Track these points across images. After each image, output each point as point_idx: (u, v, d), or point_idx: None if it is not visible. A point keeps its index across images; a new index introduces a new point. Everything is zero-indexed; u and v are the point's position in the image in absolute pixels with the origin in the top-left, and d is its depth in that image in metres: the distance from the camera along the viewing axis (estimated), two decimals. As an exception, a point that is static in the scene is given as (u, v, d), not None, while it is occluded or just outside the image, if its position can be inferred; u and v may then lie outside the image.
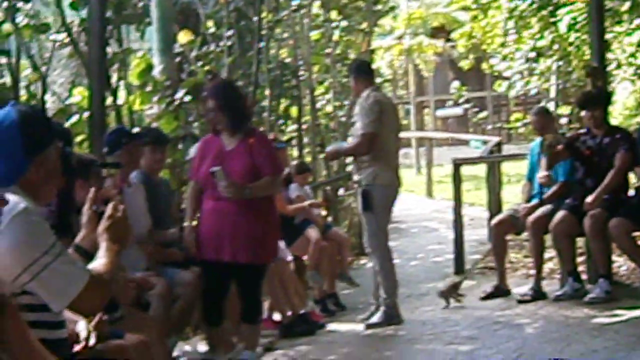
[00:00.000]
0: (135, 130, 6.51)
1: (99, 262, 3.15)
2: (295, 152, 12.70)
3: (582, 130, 8.02)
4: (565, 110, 14.98)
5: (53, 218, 3.86)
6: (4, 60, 7.55)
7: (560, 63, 15.64)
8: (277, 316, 7.66)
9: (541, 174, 7.90)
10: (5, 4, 7.45)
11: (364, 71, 7.65)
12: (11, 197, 2.93)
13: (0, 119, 3.11)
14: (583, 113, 7.96)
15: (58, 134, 4.19)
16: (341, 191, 13.16)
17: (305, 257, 8.37)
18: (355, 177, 7.50)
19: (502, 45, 16.62)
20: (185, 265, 6.22)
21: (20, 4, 7.60)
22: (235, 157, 5.99)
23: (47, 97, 8.48)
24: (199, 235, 6.08)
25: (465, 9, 18.29)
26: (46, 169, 3.15)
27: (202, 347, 6.71)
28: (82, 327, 3.54)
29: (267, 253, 6.23)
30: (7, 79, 7.56)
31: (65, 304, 2.96)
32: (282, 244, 7.79)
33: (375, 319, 7.34)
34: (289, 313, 7.51)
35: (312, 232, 8.34)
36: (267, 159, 6.05)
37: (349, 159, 11.21)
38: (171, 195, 6.59)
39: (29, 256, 2.88)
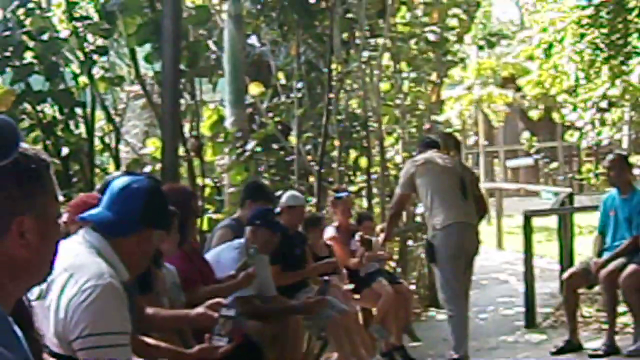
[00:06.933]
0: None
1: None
2: (364, 203, 12.71)
3: None
4: (638, 160, 14.78)
5: None
6: (79, 111, 7.71)
7: (633, 113, 15.48)
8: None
9: None
10: (82, 57, 7.63)
11: (428, 144, 8.07)
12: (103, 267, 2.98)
13: (133, 180, 3.29)
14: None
15: None
16: (410, 242, 13.10)
17: (373, 309, 8.33)
18: None
19: (570, 93, 16.44)
20: None
21: (95, 57, 7.79)
22: None
23: (121, 147, 8.64)
24: None
25: (532, 58, 18.22)
26: (145, 247, 3.22)
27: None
28: None
29: None
30: (83, 130, 7.71)
31: None
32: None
33: None
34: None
35: (385, 285, 8.30)
36: None
37: (418, 210, 11.29)
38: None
39: (89, 329, 2.87)
